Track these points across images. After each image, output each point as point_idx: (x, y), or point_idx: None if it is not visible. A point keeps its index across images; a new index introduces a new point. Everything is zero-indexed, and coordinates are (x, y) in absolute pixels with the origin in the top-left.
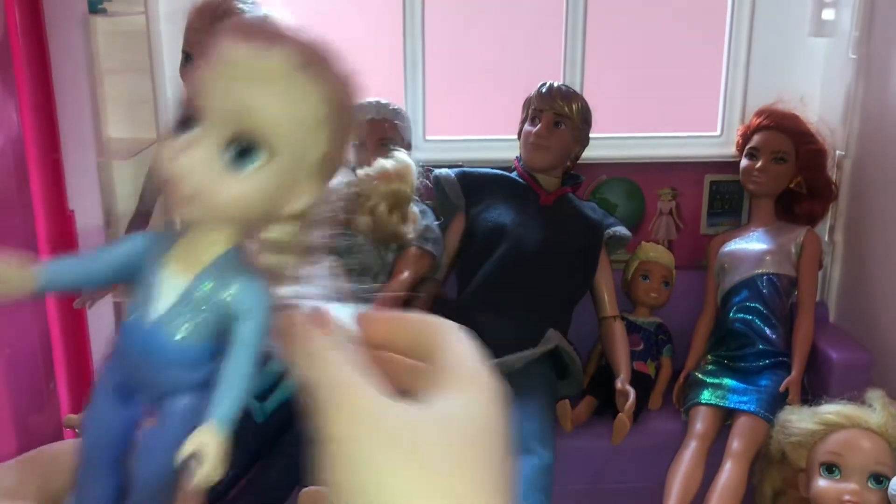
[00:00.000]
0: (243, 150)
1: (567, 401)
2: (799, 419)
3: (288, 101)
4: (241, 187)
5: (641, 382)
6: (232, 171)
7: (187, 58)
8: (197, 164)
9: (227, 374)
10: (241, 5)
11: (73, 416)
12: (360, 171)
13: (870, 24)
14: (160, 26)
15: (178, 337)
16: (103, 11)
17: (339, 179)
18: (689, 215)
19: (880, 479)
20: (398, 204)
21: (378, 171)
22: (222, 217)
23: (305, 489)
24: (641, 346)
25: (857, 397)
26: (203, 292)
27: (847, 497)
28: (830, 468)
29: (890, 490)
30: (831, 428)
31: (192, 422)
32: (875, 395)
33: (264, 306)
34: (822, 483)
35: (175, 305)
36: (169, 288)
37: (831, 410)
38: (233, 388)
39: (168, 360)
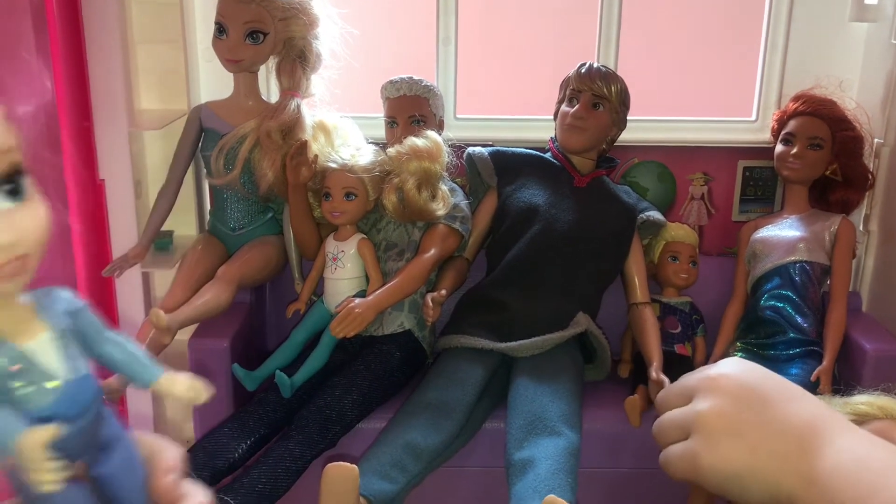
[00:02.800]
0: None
1: (636, 396)
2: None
3: None
4: None
5: (684, 365)
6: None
7: (220, 29)
8: None
9: (128, 350)
10: None
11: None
12: (391, 149)
13: None
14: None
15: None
16: None
17: (371, 157)
18: (720, 201)
19: None
20: (428, 181)
21: (408, 149)
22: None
23: (332, 464)
24: (679, 328)
25: (890, 388)
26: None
27: None
28: None
29: None
30: (863, 419)
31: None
32: None
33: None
34: None
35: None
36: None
37: (863, 401)
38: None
39: (94, 400)
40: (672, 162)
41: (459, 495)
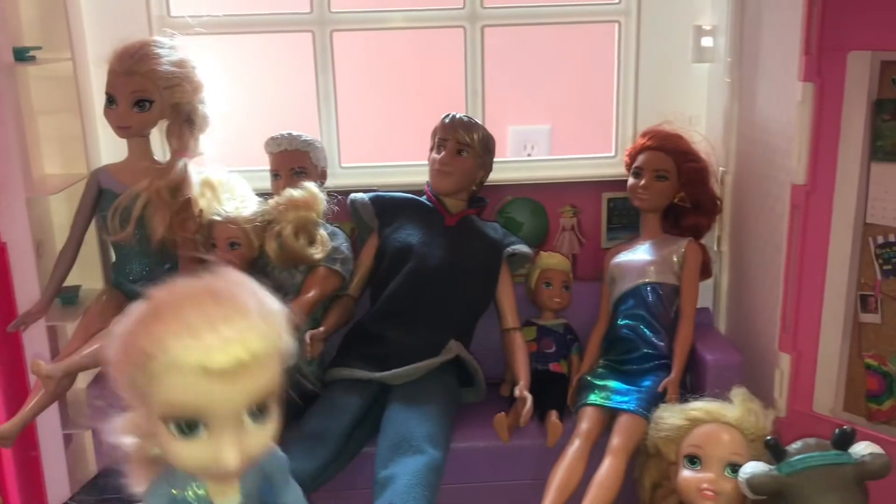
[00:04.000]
0: None
1: (503, 414)
2: (669, 416)
3: None
4: None
5: (558, 382)
6: None
7: (110, 99)
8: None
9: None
10: (158, 50)
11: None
12: (271, 200)
13: (740, 50)
14: (89, 70)
15: None
16: (32, 59)
17: (254, 208)
18: (590, 230)
19: (736, 469)
20: (304, 228)
21: (286, 200)
22: None
23: None
24: (554, 348)
25: (723, 395)
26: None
27: (705, 485)
28: (693, 459)
29: (740, 477)
30: (695, 423)
31: None
32: (736, 393)
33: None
34: (685, 473)
35: None
36: None
37: (696, 407)
38: None
39: None
40: (543, 197)
41: None
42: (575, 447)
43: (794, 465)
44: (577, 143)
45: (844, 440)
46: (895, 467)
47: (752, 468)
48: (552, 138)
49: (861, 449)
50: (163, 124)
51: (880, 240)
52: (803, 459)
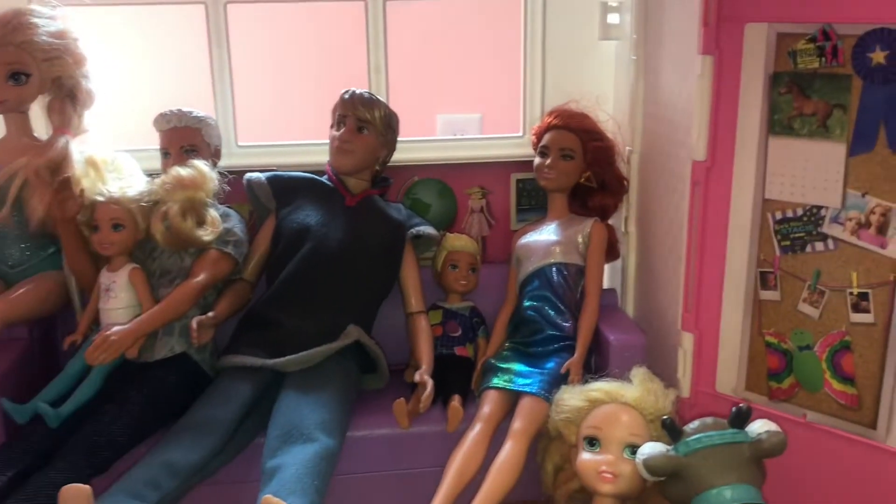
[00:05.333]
0: None
1: (402, 399)
2: (570, 397)
3: None
4: None
5: (463, 366)
6: None
7: None
8: None
9: None
10: (35, 19)
11: None
12: (157, 180)
13: (644, 26)
14: None
15: None
16: None
17: (140, 188)
18: (499, 212)
19: (635, 450)
20: (193, 209)
21: (172, 178)
22: None
23: (66, 486)
24: (459, 332)
25: (623, 374)
26: None
27: (603, 468)
28: (592, 441)
29: (637, 458)
30: (595, 404)
31: None
32: (636, 372)
33: None
34: (584, 456)
35: None
36: None
37: (595, 388)
38: None
39: None
40: (451, 178)
41: None
42: (476, 431)
43: (691, 444)
44: (507, 130)
45: (740, 418)
46: (793, 446)
47: (648, 449)
48: (483, 127)
49: (757, 427)
50: (44, 100)
51: (778, 216)
52: (700, 439)
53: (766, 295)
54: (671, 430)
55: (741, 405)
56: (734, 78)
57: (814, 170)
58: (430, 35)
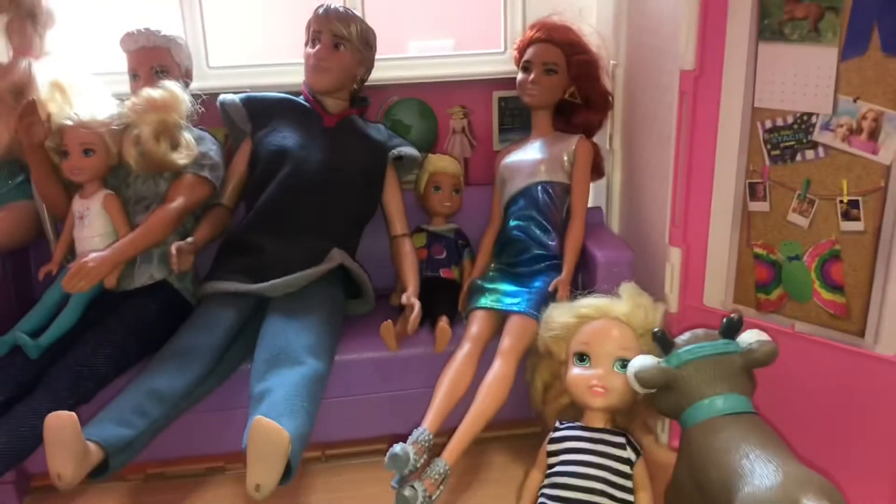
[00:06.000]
0: None
1: (389, 321)
2: (559, 314)
3: None
4: None
5: (449, 287)
6: None
7: None
8: None
9: None
10: None
11: None
12: (127, 102)
13: None
14: None
15: None
16: None
17: (110, 112)
18: (481, 132)
19: (625, 364)
20: (166, 131)
21: (143, 100)
22: None
23: (51, 414)
24: (444, 254)
25: (612, 290)
26: None
27: (594, 382)
28: (582, 357)
29: (628, 371)
30: (584, 320)
31: None
32: (625, 288)
33: None
34: (574, 371)
35: None
36: None
37: (584, 304)
38: None
39: None
40: (431, 98)
41: (230, 436)
42: (464, 351)
43: (682, 356)
44: (468, 39)
45: (732, 329)
46: (783, 356)
47: (640, 362)
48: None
49: (748, 337)
50: (2, 21)
51: (768, 124)
52: (691, 350)
53: (755, 206)
54: (662, 342)
55: (733, 315)
56: None
57: (804, 76)
58: None
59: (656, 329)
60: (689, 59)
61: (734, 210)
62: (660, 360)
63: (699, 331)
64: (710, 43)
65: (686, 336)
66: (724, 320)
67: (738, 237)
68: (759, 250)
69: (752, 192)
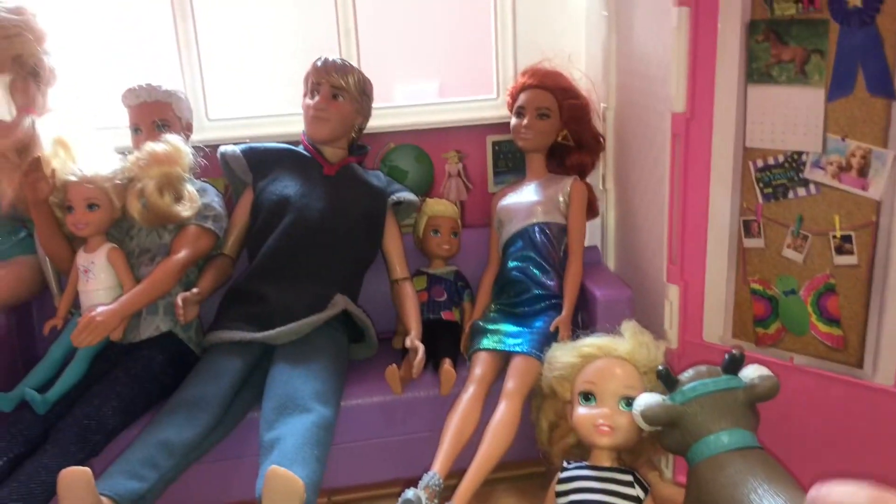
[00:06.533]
0: None
1: (394, 365)
2: (562, 354)
3: None
4: None
5: (451, 330)
6: None
7: None
8: None
9: None
10: None
11: None
12: (130, 157)
13: None
14: None
15: None
16: None
17: (113, 167)
18: (476, 176)
19: (630, 402)
20: (169, 184)
21: (147, 154)
22: None
23: (65, 469)
24: (445, 296)
25: (613, 329)
26: None
27: (600, 421)
28: (587, 396)
29: (633, 410)
30: (587, 359)
31: None
32: (626, 326)
33: None
34: (580, 411)
35: None
36: None
37: (587, 343)
38: None
39: None
40: (426, 143)
41: (240, 485)
42: (469, 393)
43: (686, 393)
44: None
45: (734, 364)
46: (783, 389)
47: (645, 400)
48: (440, 95)
49: (750, 372)
50: (5, 80)
51: (760, 163)
52: (695, 387)
53: (750, 243)
54: (666, 379)
55: (734, 351)
56: (711, 28)
57: (793, 116)
58: (390, 2)
59: (660, 367)
60: (680, 102)
61: (730, 247)
62: (664, 397)
63: (702, 367)
64: (699, 86)
65: (689, 373)
66: (727, 356)
67: (735, 273)
68: (755, 285)
69: (747, 229)
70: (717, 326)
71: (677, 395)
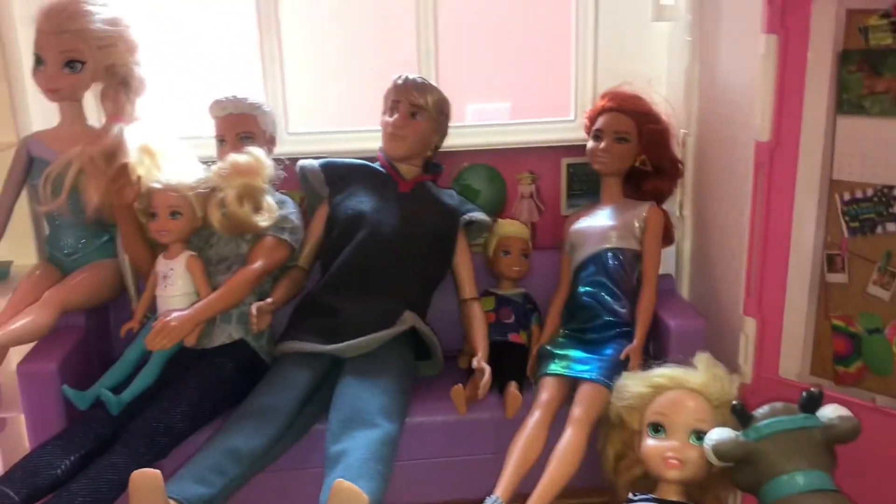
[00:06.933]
0: None
1: (460, 385)
2: (632, 384)
3: None
4: None
5: (518, 353)
6: None
7: (38, 60)
8: None
9: None
10: (89, 7)
11: None
12: (214, 167)
13: (700, 7)
14: (16, 29)
15: None
16: None
17: (197, 176)
18: (549, 197)
19: (701, 435)
20: (249, 195)
21: (229, 165)
22: None
23: (137, 471)
24: (513, 318)
25: (685, 360)
26: None
27: (670, 454)
28: (657, 427)
29: (705, 444)
30: (658, 390)
31: None
32: (700, 358)
33: None
34: (649, 442)
35: None
36: None
37: (659, 374)
38: None
39: None
40: (500, 163)
41: (302, 495)
42: (535, 418)
43: (761, 430)
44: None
45: (812, 403)
46: (863, 431)
47: (717, 435)
48: (512, 115)
49: (829, 412)
50: (97, 88)
51: (847, 197)
52: (770, 424)
53: (833, 278)
54: (741, 415)
55: (813, 389)
56: (800, 57)
57: (885, 149)
58: (467, 22)
59: (735, 402)
60: (765, 131)
61: (811, 281)
62: (738, 433)
63: (777, 404)
64: (786, 116)
65: (764, 409)
66: (804, 394)
67: (816, 308)
68: (837, 322)
69: (830, 263)
70: (794, 362)
71: (751, 431)
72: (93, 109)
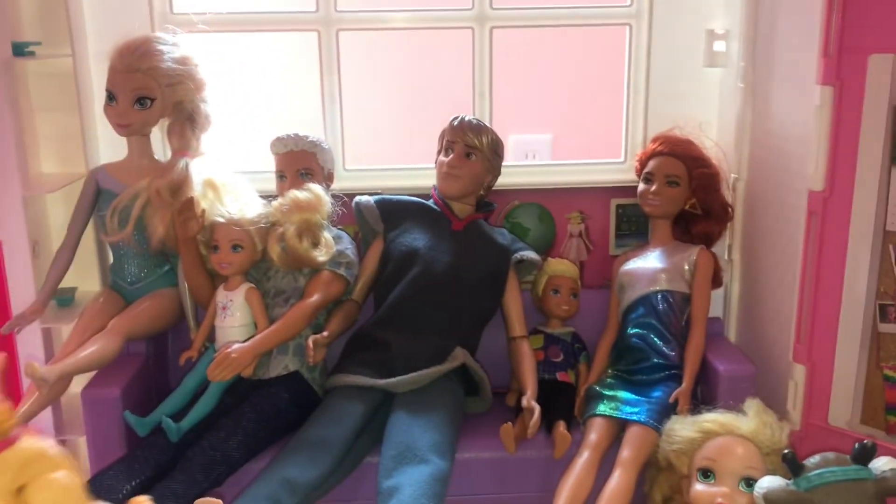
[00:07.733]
0: None
1: (509, 423)
2: (681, 428)
3: None
4: None
5: (566, 392)
6: None
7: (110, 96)
8: None
9: None
10: (160, 46)
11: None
12: (274, 202)
13: (753, 54)
14: (90, 66)
15: None
16: (31, 54)
17: (258, 211)
18: (598, 237)
19: (751, 483)
20: (308, 230)
21: (290, 201)
22: None
23: (200, 500)
24: (561, 357)
25: (736, 406)
26: None
27: (719, 500)
28: (706, 473)
29: (755, 491)
30: (708, 435)
31: None
32: (751, 404)
33: None
34: (698, 487)
35: None
36: None
37: (709, 419)
38: None
39: None
40: (550, 203)
41: None
42: (584, 459)
43: (813, 480)
44: (579, 152)
45: (865, 455)
46: None
47: (768, 483)
48: (553, 147)
49: (882, 464)
50: (164, 123)
51: None
52: (822, 474)
53: (886, 328)
54: (793, 464)
55: (866, 441)
56: (855, 108)
57: None
58: (518, 56)
59: (786, 451)
60: (819, 181)
61: (863, 330)
62: (788, 482)
63: (830, 454)
64: (840, 165)
65: (816, 459)
66: (857, 446)
67: (868, 357)
68: (889, 372)
69: (883, 313)
70: (844, 411)
71: (802, 480)
72: (159, 143)
